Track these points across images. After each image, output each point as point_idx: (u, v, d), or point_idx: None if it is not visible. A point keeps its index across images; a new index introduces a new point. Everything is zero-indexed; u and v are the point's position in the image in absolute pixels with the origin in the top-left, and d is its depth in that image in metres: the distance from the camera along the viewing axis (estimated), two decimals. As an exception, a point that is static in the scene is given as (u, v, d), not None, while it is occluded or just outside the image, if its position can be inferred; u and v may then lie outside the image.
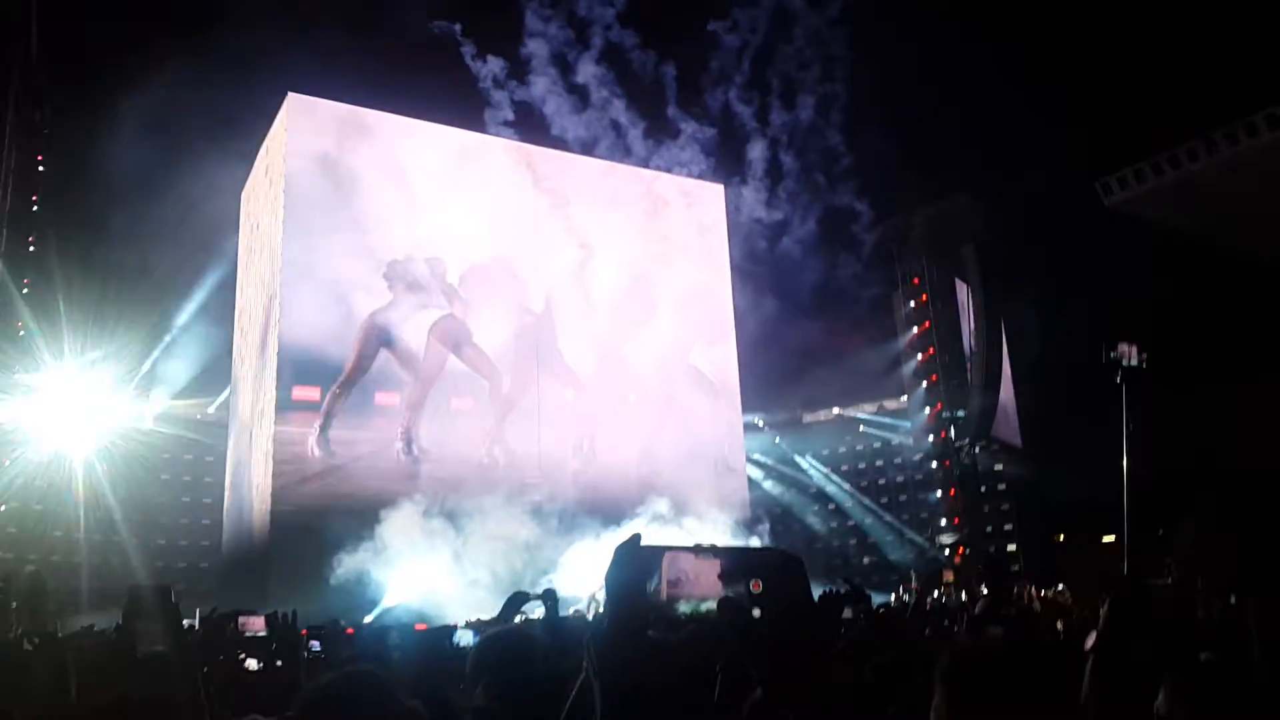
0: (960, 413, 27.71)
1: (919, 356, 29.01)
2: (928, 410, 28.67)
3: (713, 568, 2.33)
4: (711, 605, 2.36)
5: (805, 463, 33.23)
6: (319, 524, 18.89)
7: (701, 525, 21.16)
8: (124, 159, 22.23)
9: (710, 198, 28.25)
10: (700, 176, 28.43)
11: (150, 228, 24.41)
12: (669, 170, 27.97)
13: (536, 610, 5.01)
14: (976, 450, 27.83)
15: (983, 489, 28.57)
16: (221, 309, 26.52)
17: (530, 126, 26.21)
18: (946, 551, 27.12)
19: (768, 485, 32.42)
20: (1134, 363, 13.22)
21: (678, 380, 25.53)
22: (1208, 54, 22.35)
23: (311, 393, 20.49)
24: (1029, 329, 26.47)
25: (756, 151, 29.29)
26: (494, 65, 26.28)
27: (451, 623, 11.63)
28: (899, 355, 30.03)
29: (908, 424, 30.54)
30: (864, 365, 31.11)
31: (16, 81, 22.05)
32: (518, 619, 4.75)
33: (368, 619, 16.47)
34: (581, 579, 15.60)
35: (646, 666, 2.07)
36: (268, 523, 19.90)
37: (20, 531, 23.60)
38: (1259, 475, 16.52)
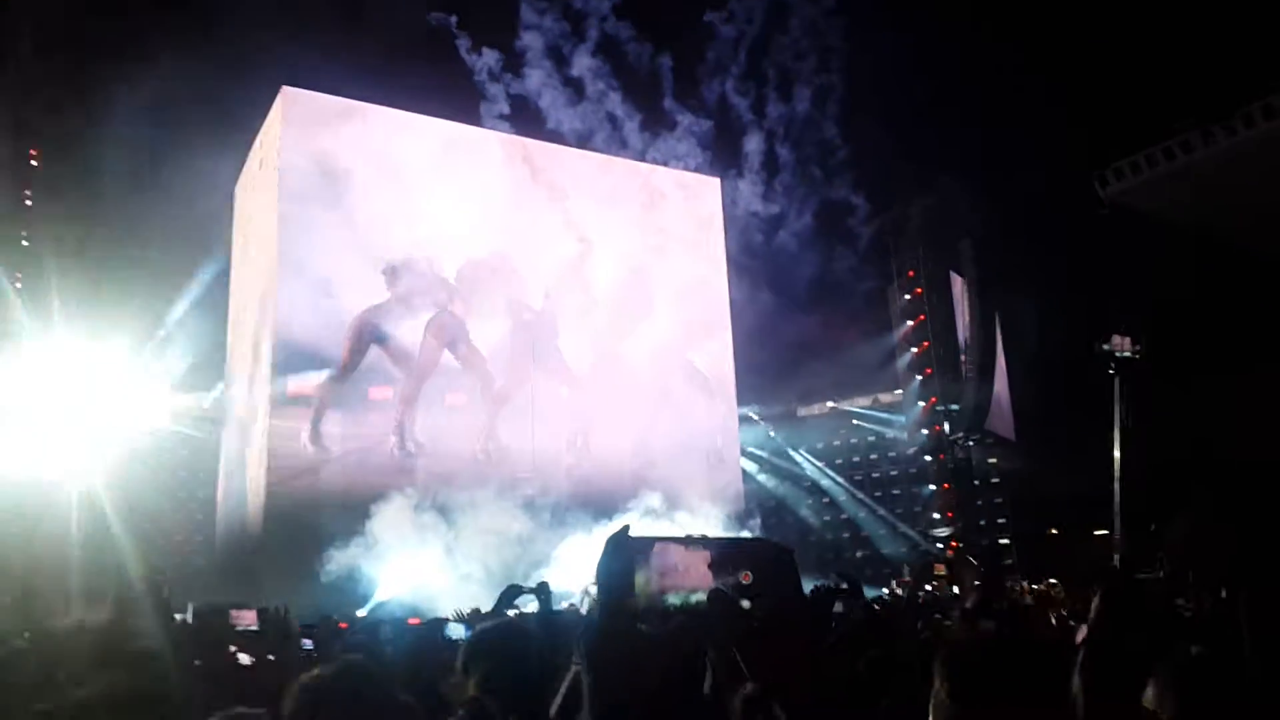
0: (954, 406, 27.77)
1: (914, 350, 29.06)
2: (922, 404, 28.72)
3: (702, 559, 2.34)
4: (701, 597, 2.36)
5: (799, 456, 33.25)
6: (312, 518, 18.89)
7: (694, 519, 21.15)
8: (117, 153, 22.15)
9: (707, 191, 28.23)
10: (697, 170, 28.42)
11: (144, 222, 24.33)
12: (665, 163, 27.96)
13: (530, 604, 5.01)
14: (970, 444, 27.91)
15: (976, 483, 28.64)
16: (216, 303, 26.45)
17: (526, 120, 26.21)
18: (939, 545, 27.19)
19: (762, 478, 32.45)
20: (1127, 354, 13.25)
21: (673, 374, 25.53)
22: (1204, 45, 22.36)
23: (306, 387, 20.46)
24: (1024, 322, 26.52)
25: (753, 144, 29.34)
26: (489, 58, 26.25)
27: (444, 616, 11.62)
28: (894, 349, 30.11)
29: (902, 418, 30.58)
30: (859, 359, 31.17)
31: (8, 75, 21.93)
32: (511, 613, 4.74)
33: (361, 613, 16.46)
34: (574, 573, 15.61)
35: (636, 660, 2.07)
36: (261, 517, 19.88)
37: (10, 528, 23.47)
38: (1255, 467, 16.56)
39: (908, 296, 29.23)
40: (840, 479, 32.64)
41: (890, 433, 32.01)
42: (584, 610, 11.88)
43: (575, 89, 27.02)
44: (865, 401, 33.19)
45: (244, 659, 7.98)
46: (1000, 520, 28.69)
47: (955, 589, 19.75)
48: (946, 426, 28.04)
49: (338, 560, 17.94)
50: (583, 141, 26.69)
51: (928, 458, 29.12)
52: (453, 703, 2.96)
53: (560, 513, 20.63)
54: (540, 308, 23.96)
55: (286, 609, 9.27)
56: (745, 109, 29.37)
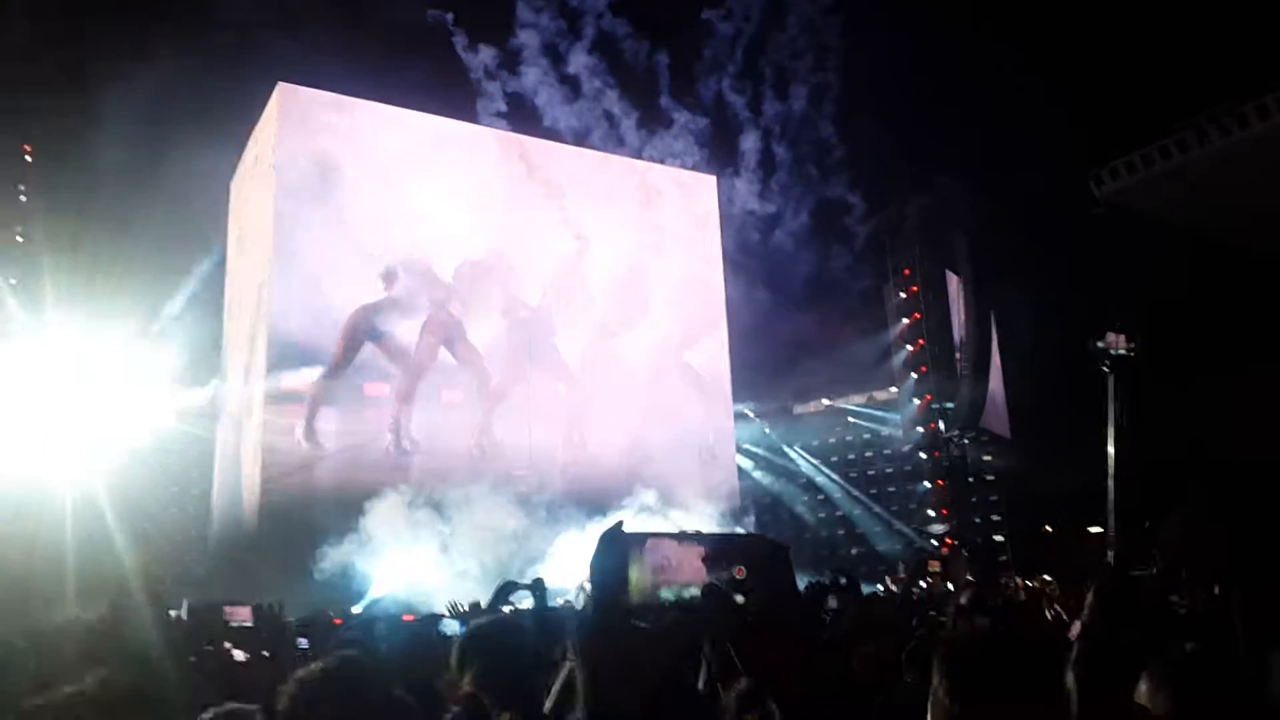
0: (949, 404, 27.80)
1: (909, 348, 29.10)
2: (917, 402, 28.75)
3: (696, 554, 2.34)
4: (695, 592, 2.37)
5: (794, 453, 33.28)
6: (307, 514, 18.87)
7: (689, 516, 21.16)
8: (112, 147, 22.07)
9: (703, 189, 28.22)
10: (694, 168, 28.41)
11: (139, 217, 24.26)
12: (662, 161, 27.94)
13: (525, 600, 5.01)
14: (965, 441, 27.94)
15: (971, 480, 28.67)
16: (211, 298, 26.39)
17: (523, 117, 26.20)
18: (934, 542, 27.23)
19: (757, 475, 32.48)
20: (1121, 352, 13.23)
21: (669, 371, 25.52)
22: (1199, 44, 22.40)
23: (301, 383, 20.42)
24: (1019, 320, 26.55)
25: (749, 142, 29.35)
26: (486, 55, 26.22)
27: (439, 613, 11.61)
28: (889, 347, 30.12)
29: (897, 415, 30.62)
30: (854, 357, 31.22)
31: (1, 70, 21.86)
32: (505, 609, 4.75)
33: (355, 609, 16.43)
34: (569, 569, 15.60)
35: (630, 655, 2.07)
36: (255, 513, 19.85)
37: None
38: (1249, 466, 16.61)
39: (903, 294, 29.26)
40: (835, 476, 32.68)
41: (885, 430, 32.05)
42: (579, 606, 11.89)
43: (571, 86, 27.04)
44: (860, 399, 33.23)
45: (238, 655, 7.96)
46: (995, 517, 28.72)
47: (950, 585, 19.78)
48: (941, 424, 28.08)
49: (332, 557, 17.90)
50: (579, 139, 26.73)
51: (923, 455, 29.16)
52: (448, 699, 2.96)
53: (555, 509, 20.61)
54: (536, 305, 23.94)
55: (281, 605, 9.25)
56: (742, 107, 29.41)
